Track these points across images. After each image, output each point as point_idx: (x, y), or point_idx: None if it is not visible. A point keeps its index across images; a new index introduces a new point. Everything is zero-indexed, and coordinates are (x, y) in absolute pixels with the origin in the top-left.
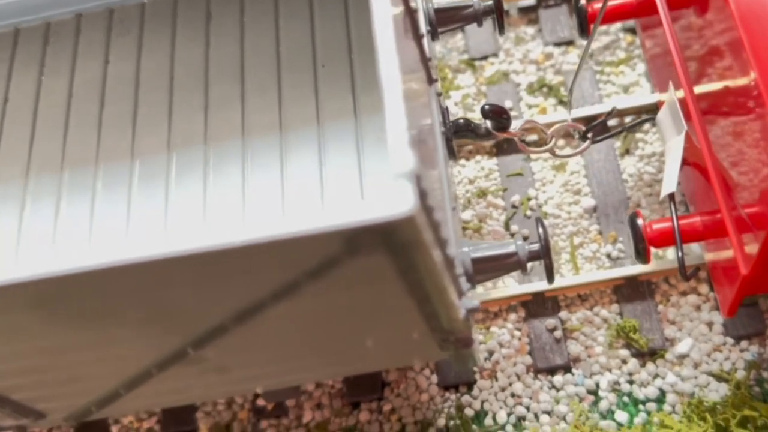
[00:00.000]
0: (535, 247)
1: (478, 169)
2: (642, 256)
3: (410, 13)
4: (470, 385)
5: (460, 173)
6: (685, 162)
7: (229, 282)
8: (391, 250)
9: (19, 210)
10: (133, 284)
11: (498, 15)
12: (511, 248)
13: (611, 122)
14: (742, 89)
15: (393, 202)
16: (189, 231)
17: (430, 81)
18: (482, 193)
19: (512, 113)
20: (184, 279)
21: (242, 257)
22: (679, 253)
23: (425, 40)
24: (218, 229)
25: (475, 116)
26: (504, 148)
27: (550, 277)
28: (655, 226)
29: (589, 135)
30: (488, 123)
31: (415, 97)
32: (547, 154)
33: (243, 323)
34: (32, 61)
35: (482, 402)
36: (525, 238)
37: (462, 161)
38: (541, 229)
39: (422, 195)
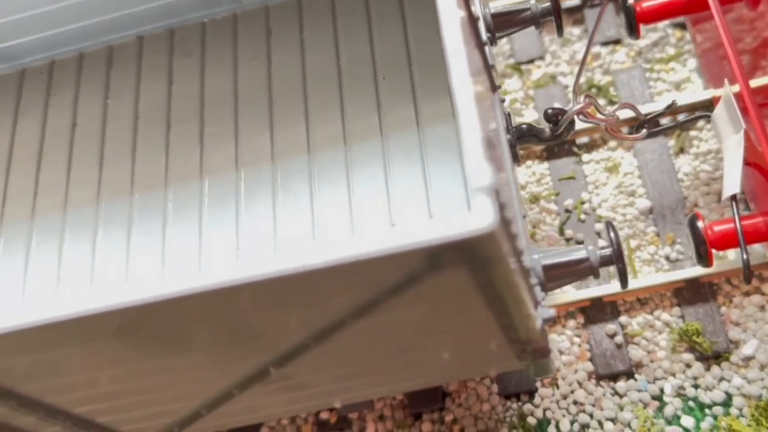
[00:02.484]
0: (607, 251)
1: (529, 174)
2: (704, 259)
3: (473, 21)
4: (531, 393)
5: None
6: (745, 162)
7: (308, 302)
8: (470, 265)
9: (92, 236)
10: (211, 309)
11: (556, 16)
12: (583, 253)
13: (663, 122)
14: None
15: (474, 217)
16: (264, 255)
17: (494, 88)
18: (535, 199)
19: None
20: (261, 302)
21: (322, 279)
22: (744, 255)
23: (487, 48)
24: (294, 252)
25: (525, 120)
26: (555, 151)
27: (624, 282)
28: (717, 228)
29: (646, 125)
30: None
31: (482, 105)
32: (600, 151)
33: (324, 341)
34: (97, 85)
35: (544, 410)
36: (580, 243)
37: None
38: (612, 233)
39: (501, 208)
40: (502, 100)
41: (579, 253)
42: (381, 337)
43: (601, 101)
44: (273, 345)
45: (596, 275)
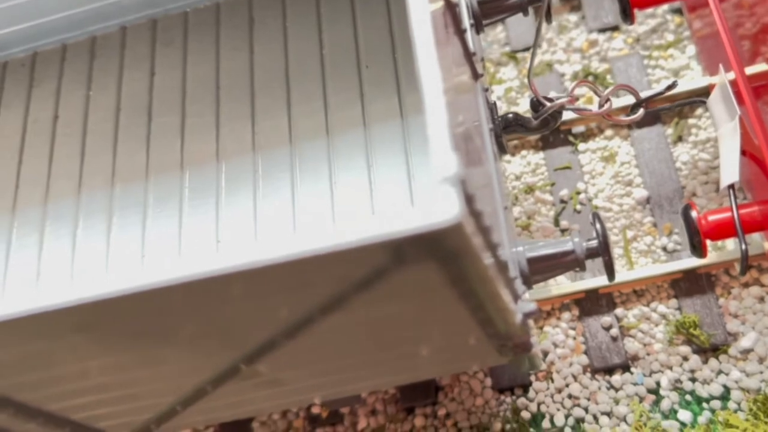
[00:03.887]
0: (593, 243)
1: (524, 164)
2: (698, 250)
3: (451, 8)
4: (525, 387)
5: (506, 169)
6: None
7: (275, 297)
8: (439, 259)
9: (73, 228)
10: (182, 302)
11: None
12: (569, 246)
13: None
14: None
15: (437, 209)
16: (234, 246)
17: (476, 76)
18: (530, 189)
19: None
20: (230, 295)
21: (285, 272)
22: (742, 246)
23: (468, 35)
24: (260, 245)
25: (520, 110)
26: (550, 141)
27: (611, 275)
28: (711, 218)
29: (643, 105)
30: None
31: (458, 94)
32: (596, 140)
33: (293, 337)
34: (80, 77)
35: (539, 404)
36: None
37: (507, 157)
38: (598, 225)
39: (469, 200)
40: (486, 89)
41: (565, 246)
42: (353, 333)
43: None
44: (241, 341)
45: (582, 268)
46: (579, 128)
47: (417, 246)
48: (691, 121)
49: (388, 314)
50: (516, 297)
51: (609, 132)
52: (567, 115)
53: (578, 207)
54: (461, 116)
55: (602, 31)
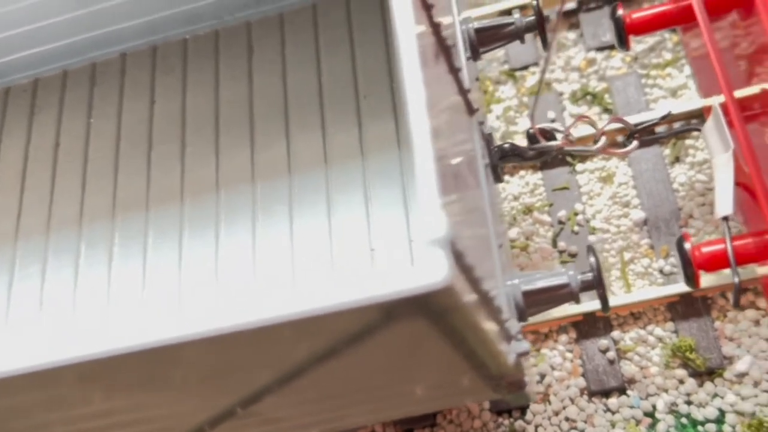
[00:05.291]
0: (588, 276)
1: (522, 185)
2: (692, 281)
3: (445, 50)
4: (523, 409)
5: (504, 189)
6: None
7: (267, 351)
8: (430, 316)
9: (75, 258)
10: (179, 358)
11: (540, 30)
12: (563, 279)
13: (659, 129)
14: None
15: (427, 271)
16: (229, 300)
17: (471, 112)
18: (528, 210)
19: (556, 124)
20: (217, 352)
21: (266, 334)
22: (735, 279)
23: (464, 72)
24: (253, 306)
25: (518, 129)
26: (548, 161)
27: (605, 307)
28: (704, 250)
29: (637, 136)
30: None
31: (450, 137)
32: (594, 160)
33: (287, 385)
34: (81, 104)
35: (536, 427)
36: (573, 255)
37: (506, 177)
38: (592, 258)
39: (459, 257)
40: (482, 122)
41: (559, 279)
42: (345, 378)
43: (596, 109)
44: (236, 389)
45: (577, 301)
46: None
47: (407, 305)
48: (688, 142)
49: (380, 362)
50: (509, 338)
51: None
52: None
53: (576, 228)
54: (453, 160)
55: (600, 49)
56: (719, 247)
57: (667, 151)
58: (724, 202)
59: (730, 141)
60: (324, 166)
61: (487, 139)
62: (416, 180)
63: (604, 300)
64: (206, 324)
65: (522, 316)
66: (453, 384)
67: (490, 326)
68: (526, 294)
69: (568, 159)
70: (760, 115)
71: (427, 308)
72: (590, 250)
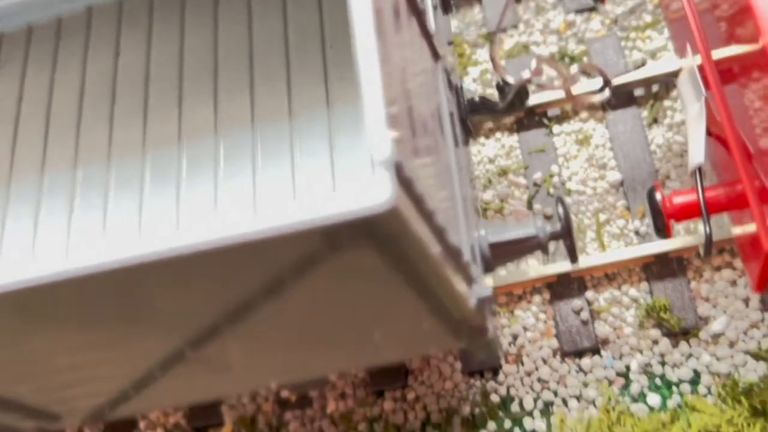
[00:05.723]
0: (556, 227)
1: (498, 147)
2: (662, 231)
3: None
4: (495, 370)
5: (479, 152)
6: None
7: (211, 282)
8: (377, 244)
9: (35, 209)
10: (110, 287)
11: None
12: (531, 230)
13: (638, 92)
14: (757, 54)
15: (371, 193)
16: (157, 234)
17: (436, 57)
18: (503, 172)
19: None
20: (159, 281)
21: (208, 259)
22: (706, 229)
23: (429, 15)
24: (182, 233)
25: (495, 91)
26: (525, 124)
27: (573, 258)
28: (676, 200)
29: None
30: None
31: (406, 76)
32: (571, 122)
33: (236, 322)
34: (45, 58)
35: (508, 388)
36: (548, 217)
37: (481, 139)
38: (561, 208)
39: (406, 183)
40: (449, 71)
41: (527, 230)
42: (299, 317)
43: (574, 70)
44: (183, 326)
45: (545, 252)
46: (554, 111)
47: (351, 231)
48: (666, 103)
49: (332, 298)
50: (470, 281)
51: (584, 114)
52: (540, 98)
53: (551, 190)
54: (409, 97)
55: (580, 12)
56: (691, 197)
57: (644, 113)
58: (697, 151)
59: (702, 90)
60: (288, 116)
61: (457, 90)
62: (363, 103)
63: (572, 251)
64: (144, 247)
65: (488, 267)
66: (413, 329)
67: (444, 263)
68: (493, 245)
69: (545, 121)
70: (736, 74)
71: (373, 234)
72: (558, 200)
